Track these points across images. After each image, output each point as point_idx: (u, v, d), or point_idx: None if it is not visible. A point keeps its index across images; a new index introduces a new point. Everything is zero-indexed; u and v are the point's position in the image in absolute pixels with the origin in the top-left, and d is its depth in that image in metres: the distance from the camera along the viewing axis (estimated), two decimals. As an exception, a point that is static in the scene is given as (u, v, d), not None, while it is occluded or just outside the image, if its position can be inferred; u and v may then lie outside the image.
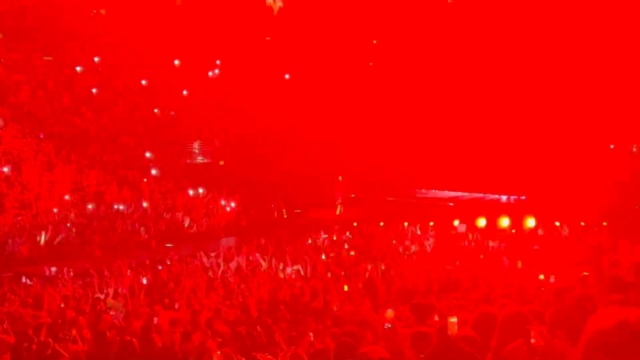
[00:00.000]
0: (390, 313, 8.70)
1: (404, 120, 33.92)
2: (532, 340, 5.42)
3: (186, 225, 26.01)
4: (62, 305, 13.79)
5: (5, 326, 12.62)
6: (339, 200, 26.50)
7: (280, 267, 17.24)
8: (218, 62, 39.91)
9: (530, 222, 21.84)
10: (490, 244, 19.67)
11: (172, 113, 35.94)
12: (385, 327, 8.19)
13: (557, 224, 22.44)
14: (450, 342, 4.79)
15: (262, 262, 18.11)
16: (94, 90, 35.50)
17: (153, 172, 31.91)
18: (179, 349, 10.79)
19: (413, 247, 20.29)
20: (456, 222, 23.24)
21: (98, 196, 28.86)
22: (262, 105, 37.36)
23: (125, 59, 38.45)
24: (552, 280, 12.64)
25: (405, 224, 23.71)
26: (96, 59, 37.41)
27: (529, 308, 6.56)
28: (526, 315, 5.46)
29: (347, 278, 15.40)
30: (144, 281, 16.57)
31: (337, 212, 26.39)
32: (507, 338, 5.15)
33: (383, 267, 16.30)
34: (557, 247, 19.24)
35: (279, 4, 40.18)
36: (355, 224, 24.91)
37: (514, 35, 33.58)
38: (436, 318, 8.16)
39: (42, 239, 22.62)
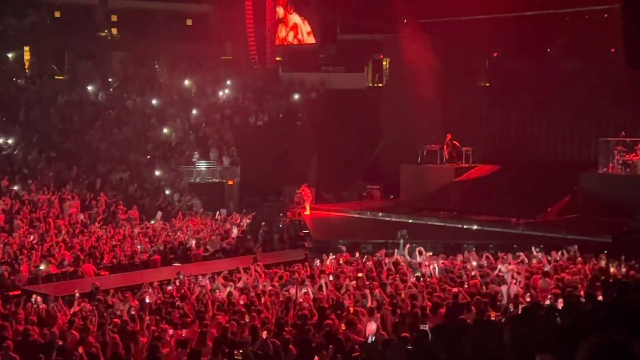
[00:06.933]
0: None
1: None
2: None
3: (194, 244, 25.95)
4: (69, 324, 13.79)
5: (13, 344, 12.62)
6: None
7: (288, 289, 17.17)
8: (228, 82, 39.99)
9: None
10: (500, 267, 19.41)
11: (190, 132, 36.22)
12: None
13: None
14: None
15: (269, 283, 18.05)
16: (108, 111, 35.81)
17: (167, 191, 32.10)
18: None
19: (421, 270, 20.08)
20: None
21: (107, 215, 28.95)
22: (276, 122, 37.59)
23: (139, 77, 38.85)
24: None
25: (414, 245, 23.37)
26: (110, 79, 37.71)
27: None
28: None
29: (354, 301, 15.33)
30: (149, 300, 16.57)
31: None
32: None
33: (390, 291, 16.17)
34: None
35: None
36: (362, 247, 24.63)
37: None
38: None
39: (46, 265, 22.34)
